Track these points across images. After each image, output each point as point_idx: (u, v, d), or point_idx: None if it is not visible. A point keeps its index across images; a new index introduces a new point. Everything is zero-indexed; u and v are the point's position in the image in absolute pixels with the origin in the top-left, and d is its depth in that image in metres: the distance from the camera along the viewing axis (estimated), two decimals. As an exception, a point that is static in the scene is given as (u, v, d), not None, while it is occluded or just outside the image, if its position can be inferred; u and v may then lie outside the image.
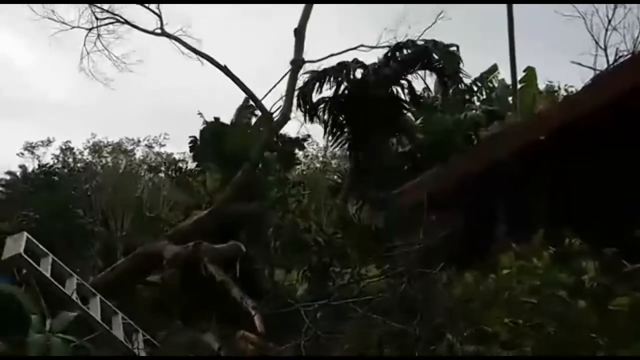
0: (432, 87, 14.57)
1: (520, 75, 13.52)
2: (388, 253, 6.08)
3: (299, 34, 12.60)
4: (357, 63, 12.70)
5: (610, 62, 12.98)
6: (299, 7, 12.92)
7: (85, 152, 41.81)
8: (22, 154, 39.30)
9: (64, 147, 39.67)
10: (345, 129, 13.08)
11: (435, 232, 6.27)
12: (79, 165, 37.38)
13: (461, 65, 12.38)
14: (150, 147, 43.36)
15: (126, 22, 15.90)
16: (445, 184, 8.08)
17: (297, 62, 12.60)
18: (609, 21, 14.46)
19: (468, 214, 7.37)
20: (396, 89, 12.92)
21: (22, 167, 33.56)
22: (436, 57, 12.27)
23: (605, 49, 14.38)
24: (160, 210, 41.35)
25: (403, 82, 12.81)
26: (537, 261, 3.09)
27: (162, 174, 44.67)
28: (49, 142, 40.06)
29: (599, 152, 6.36)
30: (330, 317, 5.30)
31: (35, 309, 2.41)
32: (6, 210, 14.41)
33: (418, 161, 13.25)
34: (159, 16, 15.39)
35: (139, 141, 43.03)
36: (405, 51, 12.49)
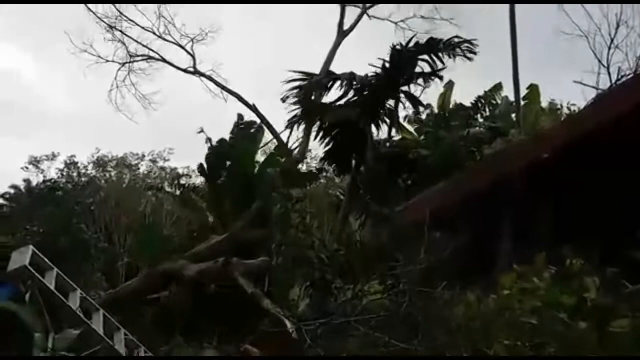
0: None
1: (523, 92, 13.60)
2: (391, 270, 6.06)
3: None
4: (352, 77, 12.74)
5: (613, 81, 13.01)
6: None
7: (90, 167, 42.02)
8: (27, 167, 39.40)
9: (68, 161, 39.83)
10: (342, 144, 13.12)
11: (438, 249, 6.26)
12: (83, 179, 37.57)
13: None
14: (154, 161, 43.63)
15: (162, 59, 17.26)
16: (448, 202, 8.10)
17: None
18: (612, 40, 14.49)
19: (470, 231, 7.38)
20: (396, 99, 12.94)
21: (27, 181, 33.68)
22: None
23: (607, 68, 14.41)
24: (163, 225, 41.48)
25: (402, 90, 12.82)
26: (538, 282, 3.09)
27: (165, 189, 44.90)
28: (53, 157, 40.21)
29: (601, 170, 6.39)
30: (331, 334, 5.29)
31: (39, 325, 2.43)
32: (10, 225, 14.46)
33: (421, 177, 13.24)
34: (192, 56, 17.03)
35: (143, 156, 43.22)
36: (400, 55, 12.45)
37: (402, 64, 12.45)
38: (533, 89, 14.14)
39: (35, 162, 39.43)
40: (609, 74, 13.47)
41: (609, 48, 14.07)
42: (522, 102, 13.07)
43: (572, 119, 8.07)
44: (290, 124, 13.19)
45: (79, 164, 39.88)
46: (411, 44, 12.60)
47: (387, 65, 12.39)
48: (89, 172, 40.65)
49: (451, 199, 8.06)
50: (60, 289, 6.13)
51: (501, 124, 14.04)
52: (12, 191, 33.12)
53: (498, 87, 15.10)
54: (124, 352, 5.84)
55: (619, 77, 11.88)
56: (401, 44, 12.62)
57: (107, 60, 18.07)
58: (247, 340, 10.25)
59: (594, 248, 4.18)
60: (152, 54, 19.10)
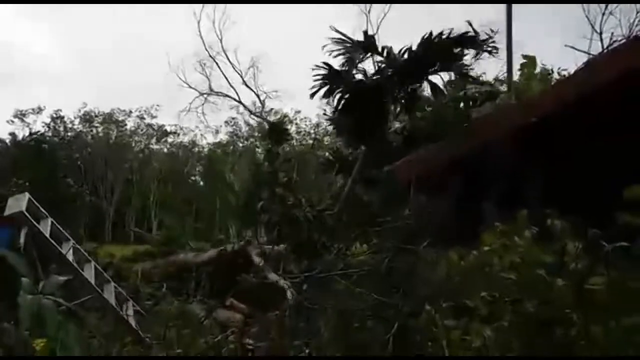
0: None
1: (520, 60, 13.56)
2: (377, 229, 6.15)
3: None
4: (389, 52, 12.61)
5: (605, 46, 12.99)
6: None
7: (76, 122, 41.65)
8: (12, 121, 39.07)
9: (54, 115, 39.49)
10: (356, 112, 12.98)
11: (423, 209, 6.35)
12: (69, 134, 37.24)
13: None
14: (141, 118, 43.27)
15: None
16: (435, 163, 8.16)
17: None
18: (606, 6, 14.41)
19: (456, 192, 7.46)
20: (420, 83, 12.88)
21: (12, 134, 33.42)
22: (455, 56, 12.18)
23: (600, 34, 14.36)
24: (150, 182, 41.45)
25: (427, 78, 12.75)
26: (518, 239, 3.16)
27: (152, 146, 44.70)
28: (39, 110, 39.82)
29: (589, 135, 6.44)
30: (316, 289, 5.39)
31: (29, 272, 2.45)
32: (-3, 178, 14.31)
33: (412, 138, 13.26)
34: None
35: (130, 112, 42.93)
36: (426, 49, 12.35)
37: (430, 53, 12.32)
38: (530, 60, 14.08)
39: (21, 115, 38.98)
40: (602, 40, 13.43)
41: (603, 14, 13.99)
42: (520, 71, 13.05)
43: (562, 84, 8.08)
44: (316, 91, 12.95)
45: (65, 119, 39.54)
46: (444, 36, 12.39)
47: (415, 51, 12.29)
48: (75, 127, 40.31)
49: (438, 160, 8.11)
50: (54, 238, 6.18)
51: (491, 88, 14.02)
52: (-3, 144, 32.77)
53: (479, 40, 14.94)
54: (114, 303, 5.94)
55: (612, 42, 11.85)
56: (431, 34, 12.42)
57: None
58: (231, 294, 10.52)
59: (577, 211, 4.26)
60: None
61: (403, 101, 12.41)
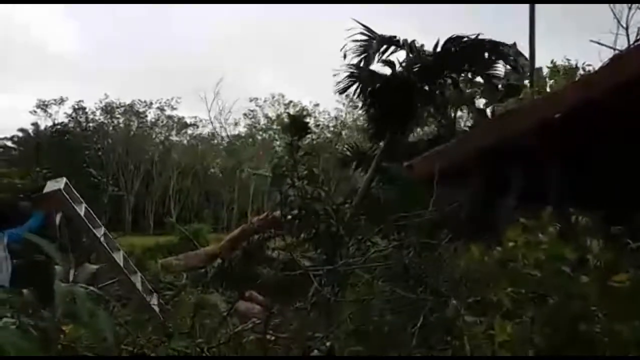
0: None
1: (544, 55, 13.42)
2: (397, 223, 6.16)
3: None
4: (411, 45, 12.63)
5: (631, 42, 12.78)
6: None
7: (98, 113, 42.19)
8: (35, 111, 39.73)
9: (76, 106, 40.03)
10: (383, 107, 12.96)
11: (445, 205, 6.33)
12: (91, 125, 37.73)
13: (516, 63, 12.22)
14: (162, 109, 43.67)
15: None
16: (457, 159, 8.13)
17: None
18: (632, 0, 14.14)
19: (478, 188, 7.44)
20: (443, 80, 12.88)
21: (35, 124, 33.97)
22: (486, 55, 12.16)
23: (626, 29, 14.11)
24: (170, 173, 41.88)
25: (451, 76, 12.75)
26: (542, 236, 3.16)
27: (173, 137, 45.14)
28: (62, 101, 40.44)
29: (613, 132, 6.38)
30: (335, 283, 5.42)
31: (61, 258, 2.53)
32: (20, 167, 14.60)
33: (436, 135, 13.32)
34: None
35: (151, 103, 43.37)
36: (452, 48, 12.34)
37: (456, 55, 12.31)
38: (554, 65, 13.96)
39: (43, 106, 39.62)
40: (628, 35, 13.20)
41: (629, 9, 13.74)
42: (546, 70, 12.96)
43: (586, 79, 7.97)
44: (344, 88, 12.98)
45: (87, 110, 40.07)
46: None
47: (440, 51, 12.28)
48: (97, 118, 40.84)
49: (459, 156, 8.08)
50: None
51: (515, 82, 13.90)
52: (20, 134, 33.36)
53: (513, 47, 14.87)
54: (142, 293, 6.07)
55: (638, 37, 11.64)
56: (459, 37, 12.38)
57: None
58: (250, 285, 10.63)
59: (600, 208, 4.24)
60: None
61: (428, 97, 12.45)
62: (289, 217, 11.31)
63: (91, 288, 2.54)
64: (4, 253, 5.14)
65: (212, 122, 44.33)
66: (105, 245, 6.15)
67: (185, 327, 6.85)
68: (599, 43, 11.40)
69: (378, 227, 8.11)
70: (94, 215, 6.39)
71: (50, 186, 5.94)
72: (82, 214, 6.04)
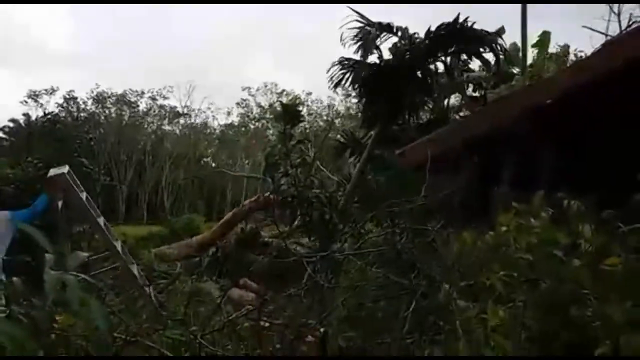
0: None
1: (535, 39, 13.39)
2: (389, 210, 6.17)
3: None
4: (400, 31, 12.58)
5: (623, 28, 12.77)
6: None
7: (89, 102, 41.87)
8: (26, 102, 39.42)
9: (67, 96, 39.72)
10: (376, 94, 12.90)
11: (437, 191, 6.34)
12: (82, 115, 37.45)
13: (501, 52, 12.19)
14: (154, 99, 43.41)
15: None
16: (449, 146, 8.13)
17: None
18: (624, -13, 14.15)
19: (470, 174, 7.45)
20: (434, 66, 12.86)
21: (26, 115, 33.69)
22: (474, 41, 12.12)
23: (618, 15, 14.11)
24: (163, 163, 41.73)
25: (440, 59, 12.71)
26: (534, 220, 3.17)
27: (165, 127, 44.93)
28: (52, 91, 40.13)
29: (604, 117, 6.39)
30: (329, 270, 5.43)
31: (55, 246, 2.51)
32: (10, 157, 14.49)
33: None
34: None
35: (142, 93, 43.07)
36: (442, 33, 12.29)
37: (444, 41, 12.26)
38: (545, 36, 13.89)
39: (34, 96, 39.34)
40: (619, 21, 13.20)
41: (621, -3, 13.74)
42: (532, 49, 12.93)
43: (578, 65, 7.98)
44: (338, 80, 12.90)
45: (78, 100, 39.75)
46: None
47: (431, 36, 12.22)
48: (88, 107, 40.53)
49: (451, 142, 8.08)
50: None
51: (507, 69, 13.89)
52: (11, 125, 33.09)
53: (500, 31, 14.84)
54: (140, 282, 6.06)
55: (630, 24, 11.63)
56: (450, 23, 12.29)
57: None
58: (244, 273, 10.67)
59: (592, 192, 4.25)
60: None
61: (419, 84, 12.41)
62: (282, 204, 11.37)
63: (82, 276, 2.52)
64: (7, 232, 5.17)
65: (183, 108, 43.97)
66: (108, 233, 6.16)
67: (179, 315, 6.87)
68: (591, 29, 11.40)
69: (370, 214, 8.13)
70: (94, 205, 6.38)
71: (54, 171, 5.93)
72: (84, 200, 6.05)
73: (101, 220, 6.32)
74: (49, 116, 16.85)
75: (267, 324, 5.04)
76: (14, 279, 2.58)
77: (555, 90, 6.86)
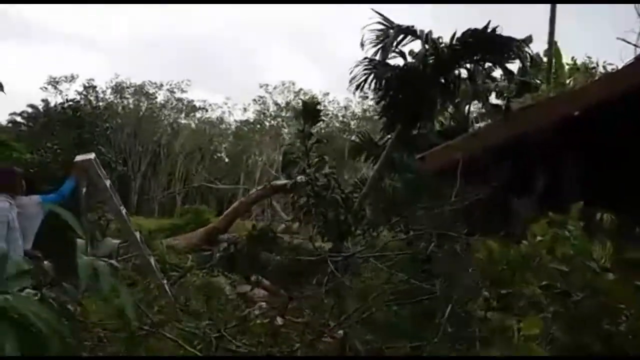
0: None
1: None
2: (403, 216, 6.12)
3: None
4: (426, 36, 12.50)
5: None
6: None
7: (108, 92, 42.13)
8: (46, 88, 39.65)
9: (87, 84, 39.98)
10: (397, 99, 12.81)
11: (458, 198, 6.27)
12: (100, 104, 37.68)
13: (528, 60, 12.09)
14: (172, 92, 43.56)
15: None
16: (472, 152, 8.04)
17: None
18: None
19: (492, 182, 7.37)
20: (458, 72, 12.76)
21: (45, 101, 33.92)
22: (501, 49, 12.02)
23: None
24: (177, 156, 41.84)
25: (465, 66, 12.62)
26: (568, 232, 3.09)
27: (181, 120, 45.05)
28: (72, 79, 40.35)
29: (634, 130, 6.27)
30: (348, 271, 5.38)
31: (84, 231, 2.47)
32: (29, 143, 14.55)
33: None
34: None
35: (161, 85, 43.22)
36: (468, 40, 12.18)
37: (471, 48, 12.16)
38: (555, 48, 13.79)
39: (54, 82, 39.54)
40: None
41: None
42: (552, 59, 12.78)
43: (609, 78, 7.86)
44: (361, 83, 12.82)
45: (97, 88, 40.00)
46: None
47: (456, 43, 12.14)
48: (107, 97, 40.79)
49: (475, 150, 7.99)
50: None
51: (530, 78, 13.76)
52: (30, 110, 33.34)
53: (528, 40, 14.70)
54: (158, 273, 6.08)
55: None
56: (476, 29, 12.18)
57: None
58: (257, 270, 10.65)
59: (625, 206, 4.17)
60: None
61: (442, 89, 12.32)
62: (299, 204, 11.33)
63: (113, 262, 2.48)
64: (38, 214, 5.21)
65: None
66: (129, 222, 6.18)
67: (191, 308, 6.86)
68: (625, 41, 11.16)
69: (395, 219, 8.05)
70: (116, 193, 6.39)
71: (81, 157, 5.97)
72: (108, 187, 6.08)
73: (123, 209, 6.33)
74: (70, 102, 16.92)
75: (280, 322, 5.00)
76: (45, 262, 2.55)
77: (583, 101, 6.76)
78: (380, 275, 4.99)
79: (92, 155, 6.07)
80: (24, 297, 2.03)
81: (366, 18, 12.62)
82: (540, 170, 6.71)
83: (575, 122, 6.55)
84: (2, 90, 2.23)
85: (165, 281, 6.51)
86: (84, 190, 5.81)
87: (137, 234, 6.32)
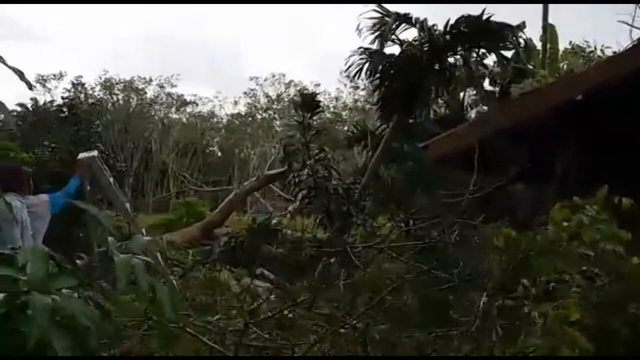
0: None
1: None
2: (418, 204, 6.12)
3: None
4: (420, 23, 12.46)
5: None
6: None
7: (97, 88, 41.71)
8: (34, 86, 39.17)
9: (75, 81, 39.56)
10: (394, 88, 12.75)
11: (466, 186, 6.25)
12: (90, 100, 37.34)
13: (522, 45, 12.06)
14: (161, 86, 43.21)
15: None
16: (474, 140, 8.05)
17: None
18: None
19: (496, 170, 7.38)
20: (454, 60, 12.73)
21: (34, 99, 33.57)
22: (495, 35, 11.98)
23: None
24: (169, 151, 41.62)
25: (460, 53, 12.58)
26: (596, 215, 3.10)
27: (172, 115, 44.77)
28: (60, 76, 39.92)
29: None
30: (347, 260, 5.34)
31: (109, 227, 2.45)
32: (22, 143, 14.39)
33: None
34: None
35: (150, 80, 42.85)
36: (463, 28, 12.14)
37: (464, 34, 12.12)
38: (551, 29, 13.81)
39: (42, 80, 39.10)
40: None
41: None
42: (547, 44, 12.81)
43: (612, 61, 7.87)
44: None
45: (86, 85, 39.61)
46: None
47: (450, 29, 12.10)
48: (96, 94, 40.38)
49: (478, 136, 7.99)
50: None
51: (521, 64, 13.77)
52: (19, 109, 33.00)
53: (522, 25, 14.69)
54: (164, 269, 6.05)
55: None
56: (470, 16, 12.12)
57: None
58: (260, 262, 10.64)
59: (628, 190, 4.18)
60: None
61: (438, 77, 12.30)
62: (300, 196, 11.33)
63: (147, 259, 2.46)
64: (47, 213, 5.21)
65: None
66: (136, 219, 6.18)
67: (197, 303, 6.83)
68: (627, 24, 11.12)
69: (393, 207, 8.07)
70: (119, 190, 6.35)
71: (84, 155, 5.97)
72: (111, 184, 6.04)
73: (128, 205, 6.28)
74: (65, 100, 16.75)
75: (290, 314, 4.99)
76: (79, 261, 2.52)
77: (586, 85, 6.78)
78: (393, 266, 4.99)
79: (95, 153, 6.04)
80: (70, 297, 2.01)
81: (358, 8, 12.57)
82: (555, 155, 6.73)
83: (578, 105, 6.57)
84: (30, 88, 2.20)
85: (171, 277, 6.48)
86: (88, 188, 5.78)
87: (143, 230, 6.28)
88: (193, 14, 64.56)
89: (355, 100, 43.84)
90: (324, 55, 64.43)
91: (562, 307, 2.54)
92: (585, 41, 13.36)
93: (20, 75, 2.26)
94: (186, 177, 35.83)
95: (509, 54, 13.47)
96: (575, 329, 2.65)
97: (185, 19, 61.25)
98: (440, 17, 13.23)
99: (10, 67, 2.14)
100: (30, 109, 32.55)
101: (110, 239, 2.54)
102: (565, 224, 3.07)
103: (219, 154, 46.85)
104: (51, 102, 30.96)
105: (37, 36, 60.56)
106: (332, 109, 45.03)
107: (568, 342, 2.42)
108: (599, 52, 12.30)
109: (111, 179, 6.02)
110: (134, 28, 65.19)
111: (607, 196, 3.97)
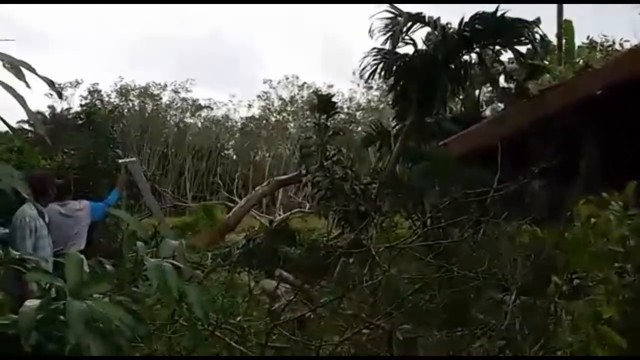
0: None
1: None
2: (438, 203, 6.08)
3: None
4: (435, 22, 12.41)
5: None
6: None
7: (113, 95, 42.14)
8: (51, 94, 39.74)
9: (91, 89, 40.03)
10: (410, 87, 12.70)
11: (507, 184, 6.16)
12: (106, 107, 37.75)
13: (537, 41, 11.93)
14: (176, 92, 43.56)
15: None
16: (493, 137, 7.99)
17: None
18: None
19: (515, 167, 7.32)
20: (469, 57, 12.66)
21: (51, 107, 34.08)
22: (510, 32, 11.87)
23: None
24: (185, 155, 41.89)
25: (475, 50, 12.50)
26: (624, 210, 3.05)
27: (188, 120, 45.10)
28: (77, 84, 40.40)
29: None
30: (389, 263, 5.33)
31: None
32: (42, 150, 14.55)
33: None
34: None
35: (165, 86, 43.21)
36: (477, 25, 12.05)
37: (480, 31, 12.04)
38: (567, 25, 13.66)
39: (59, 88, 39.54)
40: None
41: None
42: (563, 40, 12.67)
43: (633, 54, 7.75)
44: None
45: (102, 92, 40.08)
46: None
47: (464, 27, 12.03)
48: (112, 100, 40.80)
49: (496, 134, 7.94)
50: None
51: (538, 61, 13.63)
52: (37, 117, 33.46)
53: (537, 21, 14.55)
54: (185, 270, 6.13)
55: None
56: (484, 13, 12.03)
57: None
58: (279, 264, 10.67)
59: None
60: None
61: (453, 75, 12.22)
62: (318, 197, 11.32)
63: (176, 263, 2.48)
64: (88, 220, 5.49)
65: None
66: (166, 223, 6.36)
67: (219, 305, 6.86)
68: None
69: (412, 206, 8.04)
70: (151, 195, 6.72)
71: (124, 161, 6.45)
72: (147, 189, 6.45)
73: (160, 208, 6.52)
74: (83, 107, 16.94)
75: (310, 315, 4.98)
76: (108, 267, 2.55)
77: (606, 80, 6.70)
78: (416, 265, 4.97)
79: (135, 158, 6.48)
80: (104, 302, 2.03)
81: (370, 8, 12.53)
82: (566, 152, 6.66)
83: (597, 100, 6.49)
84: (60, 97, 2.22)
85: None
86: (125, 192, 6.29)
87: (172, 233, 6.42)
88: (207, 17, 65.01)
89: (369, 101, 43.78)
90: (336, 56, 64.60)
91: (593, 305, 2.50)
92: (604, 35, 13.19)
93: (50, 84, 2.29)
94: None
95: (524, 49, 13.37)
96: (605, 327, 2.61)
97: (200, 23, 61.73)
98: (453, 16, 13.08)
99: (41, 77, 2.16)
100: (48, 116, 33.07)
101: (139, 243, 2.56)
102: (592, 220, 3.02)
103: (234, 157, 47.07)
104: (68, 109, 31.39)
105: (49, 44, 61.39)
106: (346, 110, 45.02)
107: (599, 340, 2.38)
108: (617, 46, 12.13)
109: (148, 185, 6.33)
110: (147, 32, 65.81)
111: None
